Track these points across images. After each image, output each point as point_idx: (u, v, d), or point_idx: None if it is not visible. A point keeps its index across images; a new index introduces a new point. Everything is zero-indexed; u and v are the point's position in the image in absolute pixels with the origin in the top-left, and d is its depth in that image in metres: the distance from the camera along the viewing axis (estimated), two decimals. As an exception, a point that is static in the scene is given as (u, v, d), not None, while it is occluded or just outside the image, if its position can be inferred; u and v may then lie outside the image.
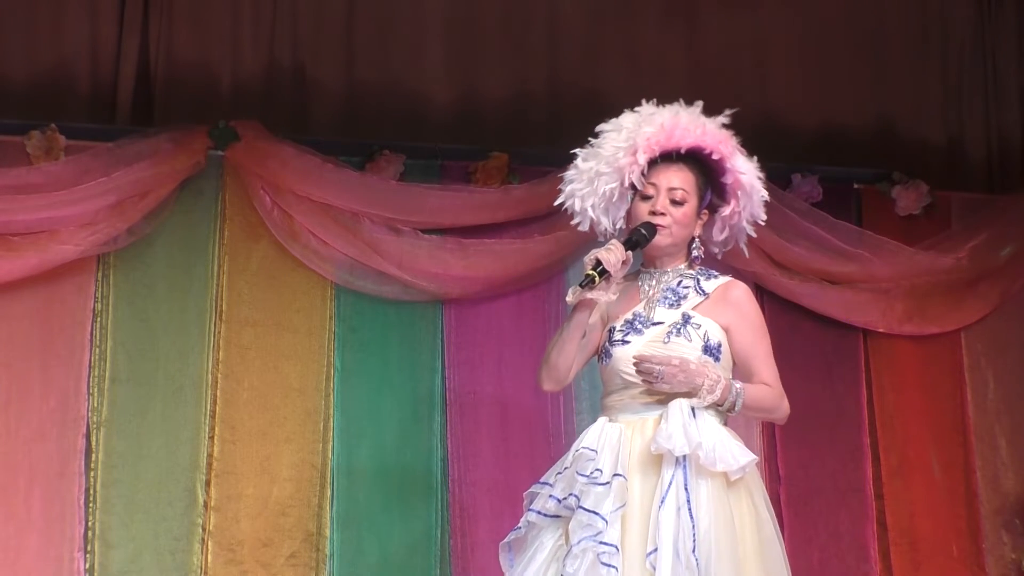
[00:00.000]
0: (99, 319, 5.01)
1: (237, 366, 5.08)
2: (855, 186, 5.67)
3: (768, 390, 3.67)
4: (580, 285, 3.58)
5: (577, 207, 3.73)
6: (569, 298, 3.63)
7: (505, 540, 3.68)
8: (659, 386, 3.53)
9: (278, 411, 5.08)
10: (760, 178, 3.77)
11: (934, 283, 5.55)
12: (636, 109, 3.74)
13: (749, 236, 3.83)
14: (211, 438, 5.02)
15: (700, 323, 3.62)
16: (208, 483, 4.98)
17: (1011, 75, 6.02)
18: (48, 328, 4.97)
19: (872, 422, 5.48)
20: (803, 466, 5.40)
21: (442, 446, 5.17)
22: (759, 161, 5.45)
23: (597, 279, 3.56)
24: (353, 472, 5.08)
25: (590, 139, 3.76)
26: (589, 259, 3.58)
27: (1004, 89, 6.01)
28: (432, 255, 5.19)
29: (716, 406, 3.56)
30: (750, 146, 5.60)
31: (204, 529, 4.96)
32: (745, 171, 3.74)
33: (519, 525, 3.65)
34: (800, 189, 5.54)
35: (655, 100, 3.76)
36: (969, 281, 5.60)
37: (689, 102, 5.80)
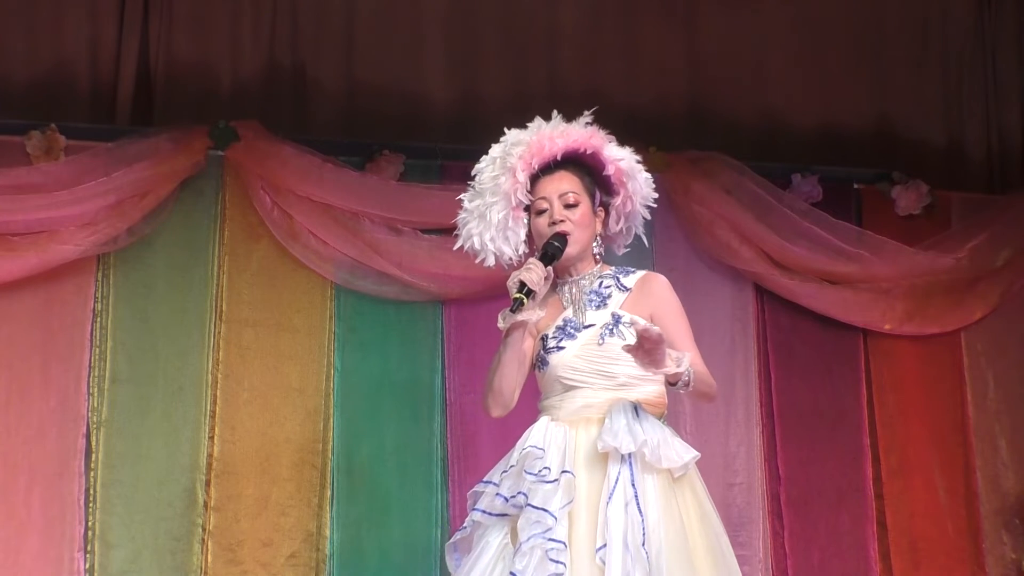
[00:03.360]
0: (99, 319, 5.01)
1: (237, 366, 5.08)
2: (855, 186, 5.67)
3: (704, 367, 3.69)
4: (510, 310, 3.63)
5: (477, 245, 3.76)
6: (500, 324, 3.68)
7: (451, 540, 3.72)
8: (654, 353, 3.48)
9: (278, 411, 5.09)
10: (639, 161, 3.82)
11: (934, 283, 5.55)
12: (501, 140, 3.79)
13: (647, 219, 3.88)
14: (211, 438, 5.02)
15: (630, 320, 3.65)
16: (208, 483, 4.99)
17: (1011, 75, 6.02)
18: (48, 328, 4.98)
19: (872, 422, 5.49)
20: (803, 466, 5.40)
21: (442, 446, 5.17)
22: (759, 161, 5.51)
23: (525, 301, 3.61)
24: (353, 472, 5.09)
25: (470, 183, 3.80)
26: (512, 283, 3.63)
27: (1004, 89, 6.02)
28: (432, 255, 5.19)
29: (673, 381, 3.55)
30: (750, 146, 5.66)
31: (204, 529, 4.96)
32: (622, 156, 3.79)
33: (464, 525, 3.68)
34: (800, 189, 5.54)
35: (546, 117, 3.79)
36: (969, 281, 5.60)
37: (689, 102, 5.83)
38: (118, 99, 5.37)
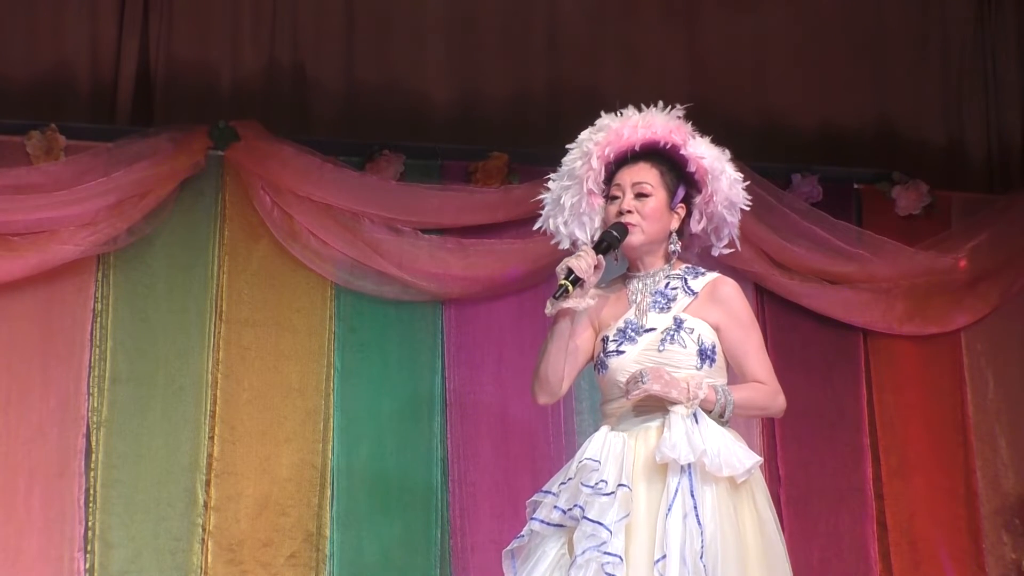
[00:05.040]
0: (99, 319, 5.01)
1: (237, 366, 5.08)
2: (855, 186, 5.67)
3: (760, 388, 3.66)
4: (555, 296, 3.57)
5: (551, 227, 3.75)
6: (547, 311, 3.62)
7: (508, 548, 3.67)
8: (650, 388, 3.49)
9: (278, 411, 5.08)
10: (724, 159, 3.76)
11: (934, 283, 5.55)
12: (595, 123, 3.75)
13: (738, 226, 3.82)
14: (211, 438, 5.02)
15: (693, 326, 3.61)
16: (208, 483, 4.99)
17: (1011, 75, 6.02)
18: (48, 328, 4.97)
19: (872, 422, 5.49)
20: (803, 466, 5.40)
21: (442, 446, 5.17)
22: (759, 161, 5.51)
23: (571, 288, 3.56)
24: (353, 472, 5.09)
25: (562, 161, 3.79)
26: (561, 268, 3.58)
27: (1004, 89, 6.01)
28: (432, 255, 5.19)
29: (706, 412, 3.53)
30: (750, 146, 5.65)
31: (204, 529, 4.96)
32: (706, 155, 3.72)
33: (522, 533, 3.63)
34: (800, 189, 5.54)
35: (628, 109, 3.76)
36: (969, 281, 5.60)
37: (689, 102, 5.81)
38: (118, 99, 5.36)
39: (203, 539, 4.96)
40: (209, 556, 4.95)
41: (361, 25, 5.60)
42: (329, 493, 5.05)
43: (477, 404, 5.20)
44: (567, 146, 3.77)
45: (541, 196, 3.79)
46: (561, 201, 3.71)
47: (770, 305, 5.50)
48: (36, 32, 5.36)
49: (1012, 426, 5.58)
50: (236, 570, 4.96)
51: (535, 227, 3.81)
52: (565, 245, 3.74)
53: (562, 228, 3.73)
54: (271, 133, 5.15)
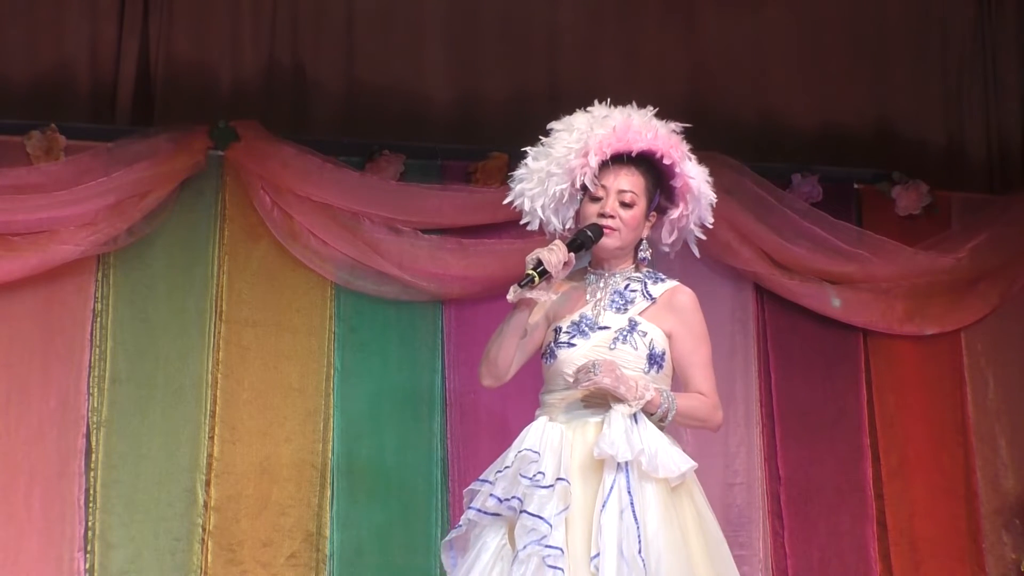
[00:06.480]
0: (99, 319, 5.01)
1: (237, 366, 5.08)
2: (855, 186, 5.67)
3: (702, 400, 3.68)
4: (520, 285, 3.59)
5: (527, 207, 3.75)
6: (509, 297, 3.63)
7: (447, 538, 3.70)
8: (600, 381, 3.50)
9: (278, 411, 5.09)
10: (708, 182, 3.80)
11: (934, 283, 5.55)
12: (588, 109, 3.76)
13: (699, 239, 3.86)
14: (211, 438, 5.02)
15: (646, 330, 3.65)
16: (208, 483, 4.99)
17: (1011, 75, 6.02)
18: (48, 328, 4.98)
19: (872, 422, 5.49)
20: (803, 466, 5.40)
21: (442, 446, 5.17)
22: (759, 161, 5.51)
23: (537, 279, 3.58)
24: (353, 472, 5.09)
25: (541, 138, 3.77)
26: (530, 258, 3.60)
27: (1004, 89, 6.01)
28: (432, 255, 5.19)
29: (648, 414, 3.56)
30: (750, 146, 5.66)
31: (204, 529, 4.96)
32: (694, 176, 3.76)
33: (460, 523, 3.66)
34: (800, 189, 5.54)
35: (608, 101, 3.78)
36: (969, 281, 5.60)
37: (689, 102, 5.82)
38: (118, 99, 5.37)
39: (203, 539, 4.96)
40: (209, 556, 4.95)
41: (361, 25, 5.60)
42: (329, 493, 5.06)
43: (477, 404, 5.20)
44: (555, 125, 3.76)
45: (518, 171, 3.78)
46: (545, 186, 3.71)
47: (770, 305, 5.50)
48: (36, 32, 5.36)
49: (1012, 426, 5.58)
50: (236, 570, 4.96)
51: (505, 201, 3.81)
52: (534, 226, 3.76)
53: (539, 212, 3.73)
54: (271, 133, 5.15)
